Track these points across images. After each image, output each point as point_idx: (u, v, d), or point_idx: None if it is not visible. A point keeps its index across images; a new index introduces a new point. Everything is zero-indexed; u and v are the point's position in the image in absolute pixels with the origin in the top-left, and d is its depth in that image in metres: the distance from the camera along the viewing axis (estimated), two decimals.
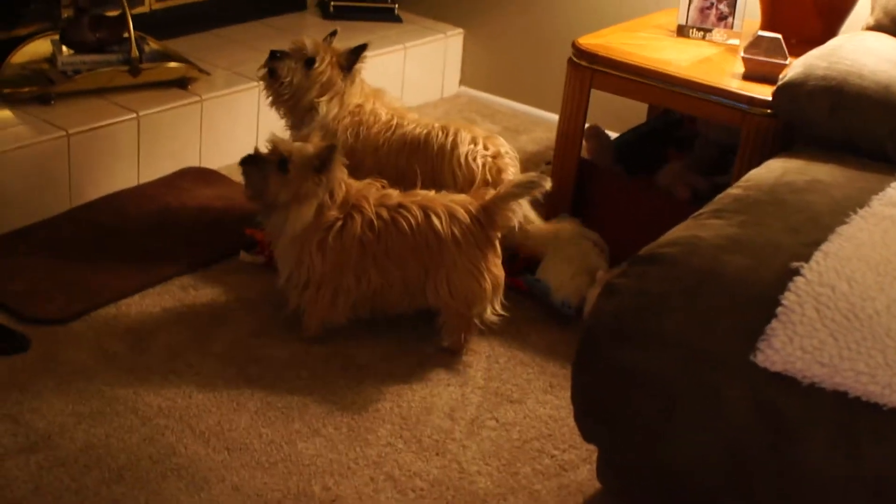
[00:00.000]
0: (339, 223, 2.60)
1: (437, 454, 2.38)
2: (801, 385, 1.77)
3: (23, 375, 2.48)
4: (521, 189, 2.57)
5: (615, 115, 3.69)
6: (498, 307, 2.70)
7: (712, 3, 3.20)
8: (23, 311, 2.69)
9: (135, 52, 3.36)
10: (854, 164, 2.44)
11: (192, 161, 3.50)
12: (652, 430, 1.93)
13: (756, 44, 2.91)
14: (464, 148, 2.91)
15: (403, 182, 2.80)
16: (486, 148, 2.95)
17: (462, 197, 2.67)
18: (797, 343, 1.79)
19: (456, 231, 2.58)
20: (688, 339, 1.88)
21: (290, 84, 2.95)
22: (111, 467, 2.24)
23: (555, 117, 3.37)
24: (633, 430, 1.97)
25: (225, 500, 2.19)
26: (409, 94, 4.14)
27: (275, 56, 2.95)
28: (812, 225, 2.08)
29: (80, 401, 2.42)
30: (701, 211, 2.22)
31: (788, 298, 1.85)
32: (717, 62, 3.05)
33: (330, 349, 2.69)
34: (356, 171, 2.74)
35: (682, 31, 3.24)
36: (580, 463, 2.38)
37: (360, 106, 3.01)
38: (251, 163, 2.60)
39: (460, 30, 4.35)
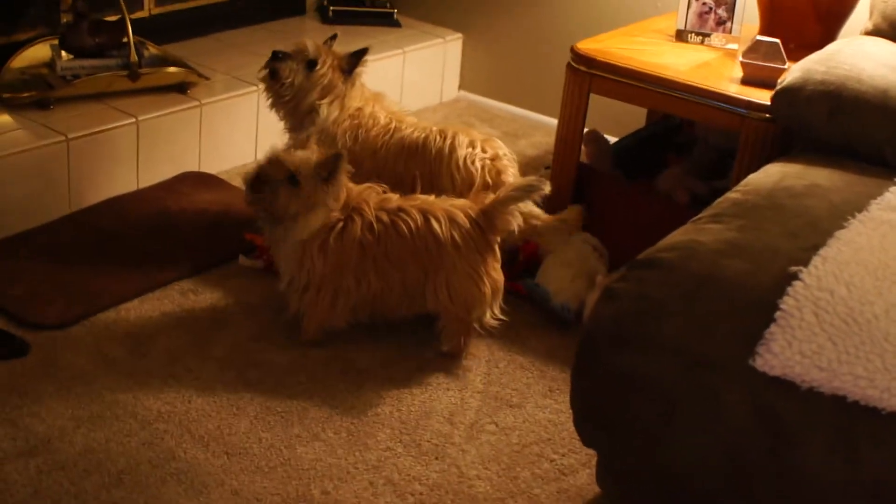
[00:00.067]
0: (340, 225, 2.61)
1: (437, 458, 2.38)
2: (799, 389, 1.77)
3: (22, 380, 2.48)
4: (520, 193, 2.58)
5: (614, 120, 3.69)
6: (497, 311, 2.70)
7: (711, 8, 3.20)
8: (23, 316, 2.69)
9: (134, 57, 3.36)
10: (852, 168, 2.45)
11: (191, 166, 3.50)
12: (651, 435, 1.93)
13: (755, 48, 2.92)
14: (462, 151, 2.92)
15: (402, 186, 2.81)
16: (484, 151, 2.95)
17: (462, 201, 2.68)
18: (796, 347, 1.79)
19: (455, 235, 2.59)
20: (687, 344, 1.88)
21: (291, 85, 2.95)
22: (111, 471, 2.24)
23: (554, 122, 3.37)
24: (632, 435, 1.97)
25: None
26: (409, 98, 4.14)
27: (276, 57, 2.96)
28: (811, 229, 2.08)
29: (80, 405, 2.42)
30: (700, 215, 2.22)
31: (787, 303, 1.85)
32: (715, 67, 3.05)
33: (329, 353, 2.69)
34: (354, 175, 2.74)
35: (680, 35, 3.25)
36: (579, 467, 2.39)
37: (359, 109, 3.01)
38: (260, 183, 2.57)
39: (459, 34, 4.36)
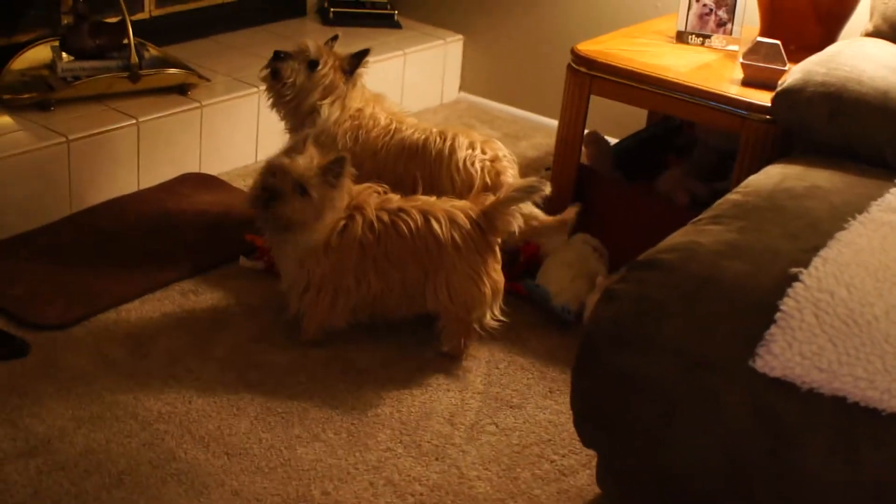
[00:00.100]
0: (342, 224, 2.60)
1: (437, 459, 2.38)
2: (799, 390, 1.77)
3: (22, 380, 2.48)
4: (521, 193, 2.58)
5: (615, 121, 3.69)
6: (497, 312, 2.71)
7: (711, 10, 3.20)
8: (23, 316, 2.69)
9: (134, 59, 3.36)
10: (853, 170, 2.45)
11: (191, 167, 3.50)
12: (651, 436, 1.93)
13: (755, 50, 2.92)
14: (461, 153, 2.92)
15: (402, 187, 2.81)
16: (483, 152, 2.95)
17: (463, 202, 2.68)
18: (796, 349, 1.79)
19: (456, 236, 2.59)
20: (687, 345, 1.88)
21: (292, 85, 2.95)
22: (111, 472, 2.24)
23: (554, 123, 3.38)
24: (632, 436, 1.97)
25: None
26: (409, 99, 4.14)
27: (278, 56, 2.96)
28: (811, 231, 2.08)
29: (80, 405, 2.42)
30: (700, 217, 2.22)
31: (787, 304, 1.85)
32: (716, 68, 3.05)
33: (330, 354, 2.69)
34: (355, 176, 2.74)
35: (681, 37, 3.25)
36: (580, 468, 2.39)
37: (360, 110, 3.01)
38: (272, 199, 2.52)
39: (460, 36, 4.36)
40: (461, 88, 4.45)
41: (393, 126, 3.02)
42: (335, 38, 3.06)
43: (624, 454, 2.02)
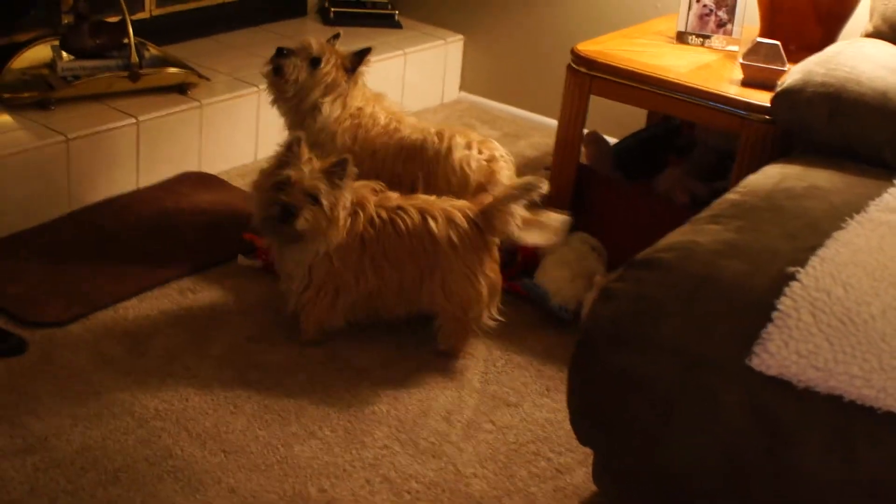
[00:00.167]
0: (347, 220, 2.60)
1: (434, 457, 2.38)
2: (796, 389, 1.77)
3: (20, 378, 2.48)
4: (518, 192, 2.58)
5: (614, 121, 3.69)
6: (495, 312, 2.71)
7: (711, 10, 3.20)
8: (21, 314, 2.69)
9: (134, 58, 3.37)
10: (852, 170, 2.45)
11: (191, 166, 3.50)
12: (649, 434, 1.93)
13: (755, 50, 2.92)
14: (458, 153, 2.92)
15: (401, 186, 2.81)
16: (480, 152, 2.95)
17: (461, 202, 2.68)
18: (793, 347, 1.79)
19: (453, 235, 2.59)
20: (684, 344, 1.88)
21: (294, 82, 2.95)
22: (107, 469, 2.24)
23: (554, 123, 3.37)
24: (629, 434, 1.97)
25: (221, 502, 2.19)
26: (409, 99, 4.14)
27: (281, 53, 2.96)
28: (809, 230, 2.08)
29: (77, 403, 2.42)
30: (698, 216, 2.22)
31: (784, 303, 1.85)
32: (715, 69, 3.05)
33: (327, 353, 2.69)
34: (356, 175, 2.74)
35: (681, 37, 3.25)
36: (576, 466, 2.38)
37: (360, 109, 3.01)
38: (287, 216, 2.49)
39: (460, 36, 4.36)
40: (461, 88, 4.45)
41: (392, 126, 3.02)
42: (337, 35, 3.06)
43: (621, 453, 2.02)
